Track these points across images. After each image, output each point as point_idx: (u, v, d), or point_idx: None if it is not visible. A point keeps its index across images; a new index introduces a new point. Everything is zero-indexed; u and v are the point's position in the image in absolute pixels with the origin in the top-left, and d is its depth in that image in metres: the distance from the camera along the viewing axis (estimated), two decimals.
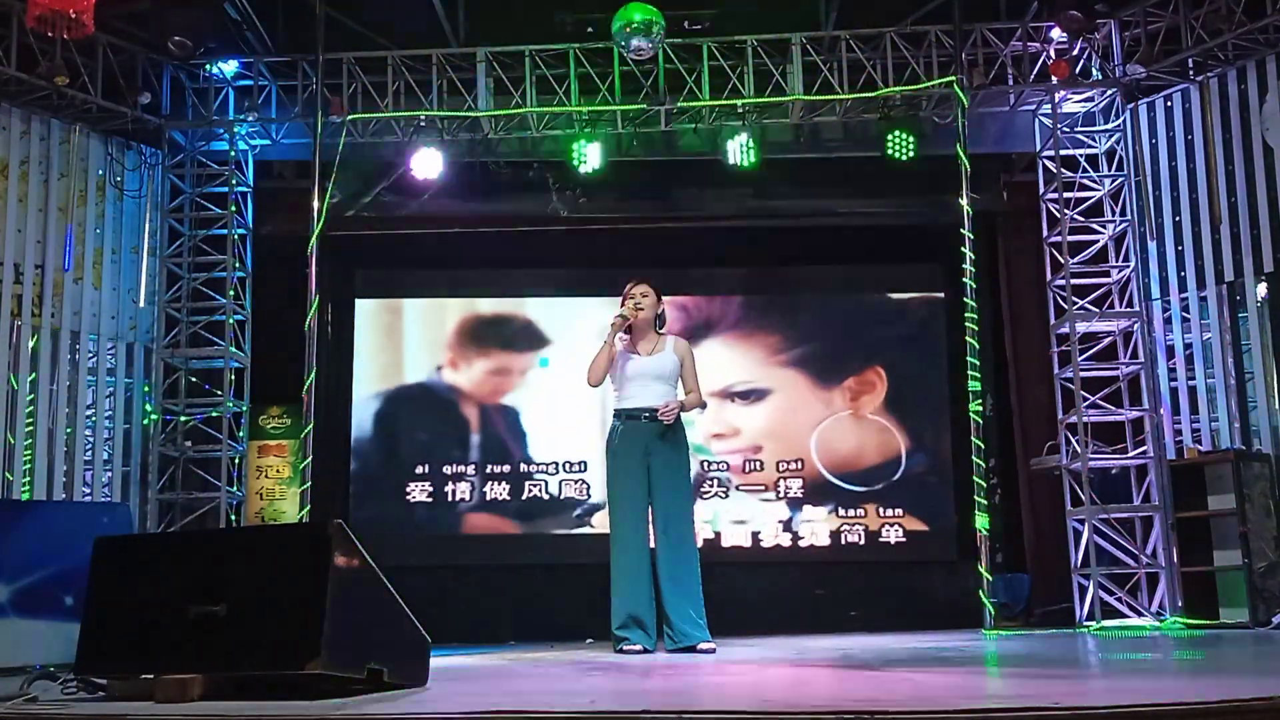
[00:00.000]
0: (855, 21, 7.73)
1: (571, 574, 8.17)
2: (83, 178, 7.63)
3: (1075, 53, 7.71)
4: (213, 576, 3.23)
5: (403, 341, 9.01)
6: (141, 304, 7.90)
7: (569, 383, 8.77)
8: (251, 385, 8.00)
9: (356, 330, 8.98)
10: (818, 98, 7.74)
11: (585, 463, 8.71)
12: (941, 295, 8.86)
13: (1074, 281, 7.60)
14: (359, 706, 2.81)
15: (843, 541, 8.67)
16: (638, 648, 5.13)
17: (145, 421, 7.82)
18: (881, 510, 8.70)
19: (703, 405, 5.68)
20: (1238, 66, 7.21)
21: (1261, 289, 7.09)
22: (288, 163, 8.64)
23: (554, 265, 9.05)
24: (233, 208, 7.93)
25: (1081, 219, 7.75)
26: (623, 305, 5.52)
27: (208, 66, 7.88)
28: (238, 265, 7.97)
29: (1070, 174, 7.77)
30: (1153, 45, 7.43)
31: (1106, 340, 7.69)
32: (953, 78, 7.54)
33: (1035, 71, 7.73)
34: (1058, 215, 7.66)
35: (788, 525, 8.68)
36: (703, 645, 5.12)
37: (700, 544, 8.29)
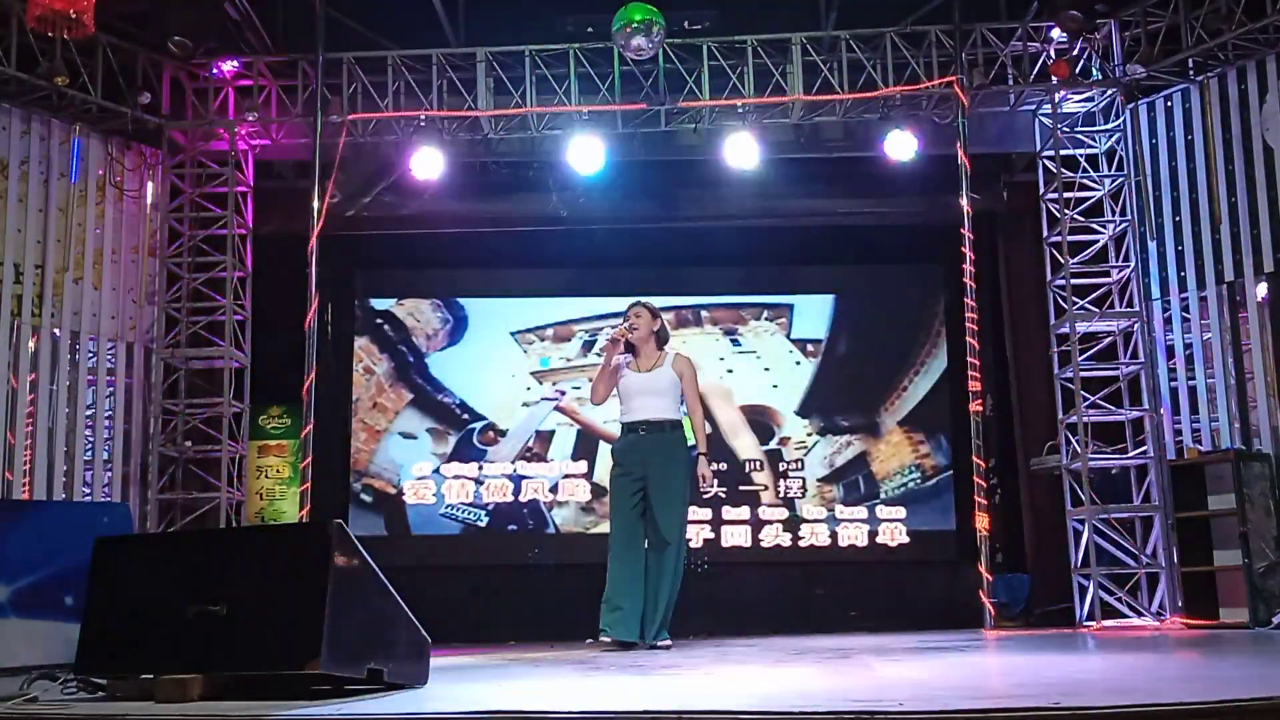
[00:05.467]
0: (855, 21, 7.73)
1: (571, 574, 8.17)
2: (83, 178, 7.62)
3: (1075, 53, 7.71)
4: (213, 576, 3.24)
5: (402, 341, 9.01)
6: (141, 304, 7.90)
7: (569, 382, 8.85)
8: (251, 385, 7.99)
9: (356, 330, 8.99)
10: (818, 98, 7.73)
11: (585, 463, 8.71)
12: (941, 295, 8.86)
13: (1074, 281, 7.60)
14: (359, 706, 2.81)
15: (843, 542, 8.67)
16: (609, 639, 5.46)
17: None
18: (881, 510, 8.71)
19: (704, 420, 5.92)
20: (1238, 66, 7.20)
21: (1261, 289, 7.08)
22: (288, 163, 8.64)
23: (554, 265, 9.05)
24: (233, 208, 7.93)
25: (1081, 219, 7.74)
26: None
27: (208, 66, 7.87)
28: (238, 265, 7.95)
29: (1070, 174, 7.76)
30: (1153, 45, 7.43)
31: (1106, 340, 7.69)
32: (953, 78, 7.54)
33: (1035, 71, 7.73)
34: (1058, 215, 7.66)
35: (788, 525, 8.68)
36: (659, 643, 5.46)
37: (700, 544, 8.37)
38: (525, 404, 8.87)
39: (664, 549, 5.56)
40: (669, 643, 5.51)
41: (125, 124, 7.66)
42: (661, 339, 5.85)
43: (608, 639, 5.46)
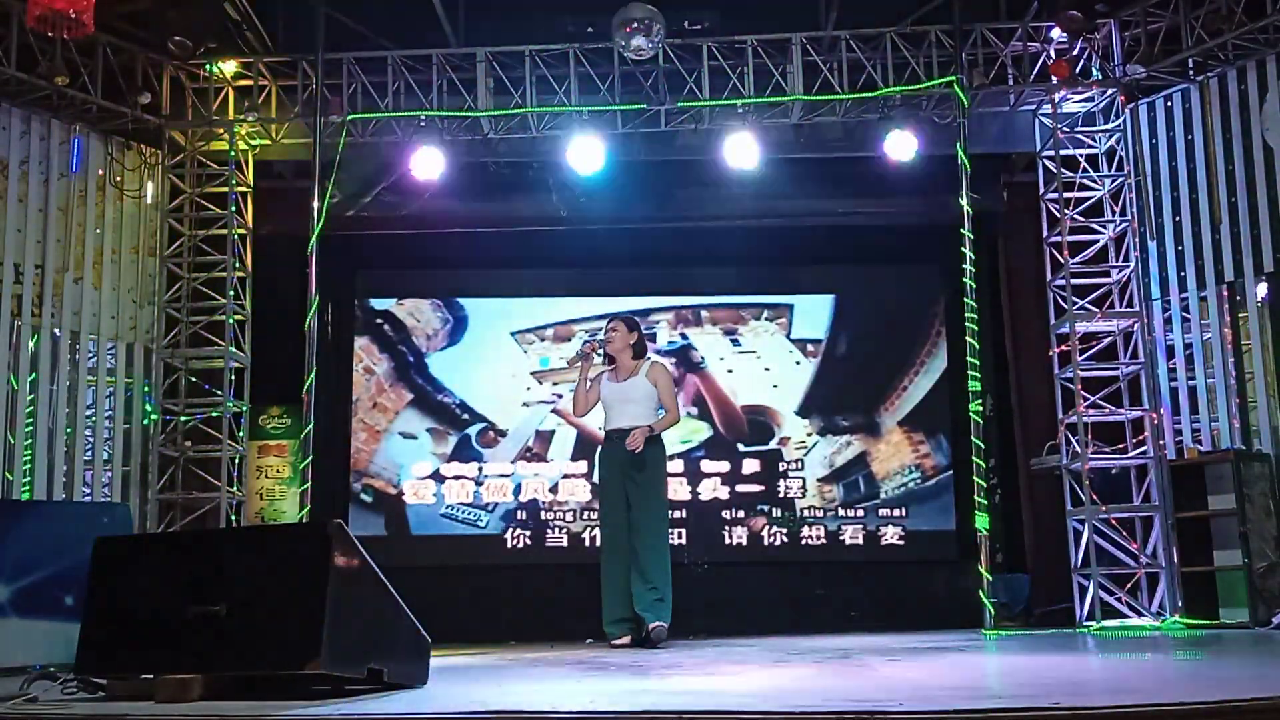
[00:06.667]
0: (855, 21, 7.72)
1: (571, 574, 8.17)
2: (83, 178, 7.62)
3: (1075, 53, 7.70)
4: (213, 576, 3.24)
5: (402, 341, 9.01)
6: (141, 304, 7.90)
7: (568, 385, 8.83)
8: (251, 385, 7.99)
9: (356, 330, 8.99)
10: (818, 98, 7.73)
11: (585, 463, 8.71)
12: (941, 295, 8.86)
13: (1074, 281, 7.60)
14: (359, 706, 2.81)
15: (843, 541, 8.67)
16: (625, 640, 5.77)
17: (145, 421, 7.81)
18: (881, 510, 8.70)
19: (676, 421, 6.17)
20: (1238, 66, 7.20)
21: (1261, 289, 7.09)
22: (288, 163, 8.63)
23: (554, 265, 9.05)
24: (233, 208, 7.93)
25: (1081, 219, 7.74)
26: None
27: (208, 66, 7.87)
28: (238, 265, 7.96)
29: (1070, 174, 7.76)
30: (1153, 45, 7.43)
31: (1106, 340, 7.69)
32: (953, 78, 7.53)
33: (1035, 71, 7.72)
34: (1058, 215, 7.66)
35: (788, 525, 8.68)
36: (651, 625, 5.64)
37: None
38: (525, 404, 8.87)
39: (643, 546, 5.83)
40: (663, 625, 5.64)
41: (125, 124, 7.67)
42: (639, 350, 6.10)
43: (620, 641, 5.77)
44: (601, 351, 6.22)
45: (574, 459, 8.76)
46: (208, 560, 3.37)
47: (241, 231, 8.02)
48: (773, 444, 8.83)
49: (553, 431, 8.83)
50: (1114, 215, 7.75)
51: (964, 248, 7.33)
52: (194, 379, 7.96)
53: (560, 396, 8.80)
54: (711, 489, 8.71)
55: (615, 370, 6.10)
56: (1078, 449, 7.38)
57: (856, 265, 9.14)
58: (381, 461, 8.82)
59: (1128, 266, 7.66)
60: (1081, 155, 7.85)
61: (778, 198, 8.71)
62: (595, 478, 6.12)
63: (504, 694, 3.16)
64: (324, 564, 3.05)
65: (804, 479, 8.76)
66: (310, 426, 7.36)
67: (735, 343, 8.98)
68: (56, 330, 7.36)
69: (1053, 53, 7.64)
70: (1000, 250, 8.97)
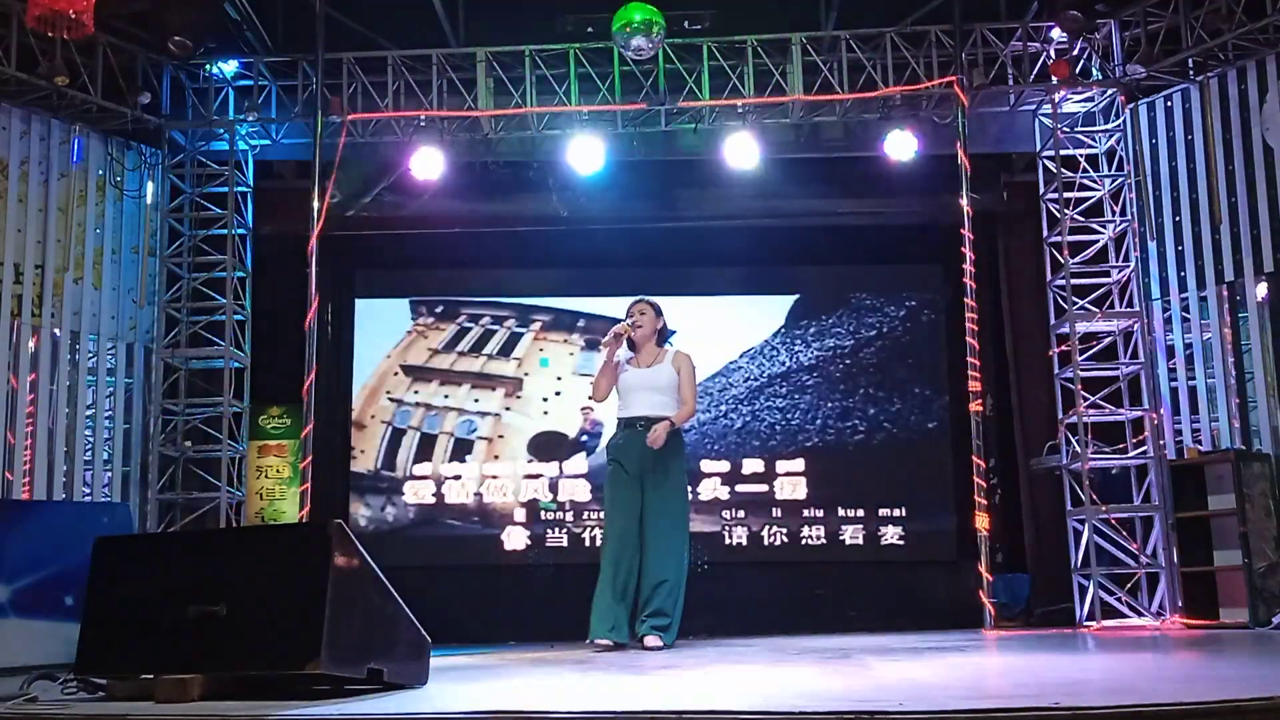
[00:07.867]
0: (855, 21, 7.73)
1: (571, 574, 8.17)
2: (83, 178, 7.63)
3: (1075, 53, 7.71)
4: (213, 576, 3.24)
5: (401, 341, 9.00)
6: (141, 304, 7.90)
7: (568, 383, 8.84)
8: (251, 385, 7.99)
9: (356, 330, 8.99)
10: (818, 98, 7.73)
11: (585, 463, 8.71)
12: (941, 295, 8.86)
13: (1074, 281, 7.60)
14: (359, 706, 2.81)
15: (843, 541, 8.67)
16: (608, 643, 5.34)
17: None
18: (881, 510, 8.69)
19: (693, 413, 5.87)
20: (1238, 66, 7.20)
21: (1261, 289, 7.08)
22: (288, 163, 8.64)
23: (554, 265, 9.05)
24: (233, 208, 7.93)
25: (1081, 219, 7.74)
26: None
27: (208, 66, 7.88)
28: (238, 265, 7.96)
29: (1070, 174, 7.76)
30: (1153, 45, 7.43)
31: (1106, 340, 7.69)
32: (953, 78, 7.54)
33: (1035, 71, 7.73)
34: (1058, 215, 7.66)
35: (788, 525, 8.67)
36: (648, 640, 5.35)
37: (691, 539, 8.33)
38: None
39: (663, 547, 5.49)
40: (659, 643, 5.33)
41: (125, 124, 7.66)
42: (663, 336, 5.86)
43: (603, 642, 5.35)
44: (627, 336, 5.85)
45: (575, 458, 8.76)
46: (208, 560, 3.37)
47: (241, 231, 8.02)
48: (773, 443, 8.82)
49: (553, 431, 8.82)
50: (1114, 215, 7.75)
51: (964, 248, 7.33)
52: (194, 379, 7.96)
53: (560, 395, 8.79)
54: (711, 489, 8.70)
55: (636, 356, 5.79)
56: (1078, 449, 7.38)
57: (857, 265, 9.14)
58: (382, 461, 8.81)
59: (1128, 266, 7.66)
60: (1081, 155, 7.84)
61: (778, 198, 8.71)
62: (607, 466, 5.74)
63: (504, 694, 3.17)
64: (324, 564, 3.05)
65: (804, 478, 8.75)
66: (310, 426, 7.36)
67: (734, 343, 8.96)
68: (56, 330, 7.36)
69: (1053, 53, 7.64)
70: (1000, 250, 8.97)
